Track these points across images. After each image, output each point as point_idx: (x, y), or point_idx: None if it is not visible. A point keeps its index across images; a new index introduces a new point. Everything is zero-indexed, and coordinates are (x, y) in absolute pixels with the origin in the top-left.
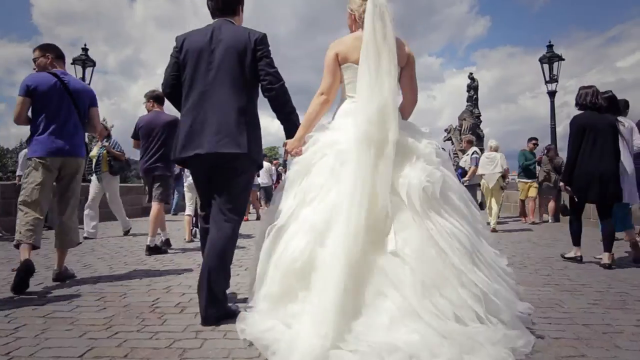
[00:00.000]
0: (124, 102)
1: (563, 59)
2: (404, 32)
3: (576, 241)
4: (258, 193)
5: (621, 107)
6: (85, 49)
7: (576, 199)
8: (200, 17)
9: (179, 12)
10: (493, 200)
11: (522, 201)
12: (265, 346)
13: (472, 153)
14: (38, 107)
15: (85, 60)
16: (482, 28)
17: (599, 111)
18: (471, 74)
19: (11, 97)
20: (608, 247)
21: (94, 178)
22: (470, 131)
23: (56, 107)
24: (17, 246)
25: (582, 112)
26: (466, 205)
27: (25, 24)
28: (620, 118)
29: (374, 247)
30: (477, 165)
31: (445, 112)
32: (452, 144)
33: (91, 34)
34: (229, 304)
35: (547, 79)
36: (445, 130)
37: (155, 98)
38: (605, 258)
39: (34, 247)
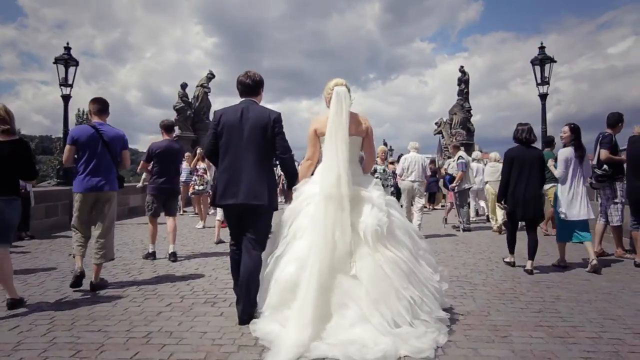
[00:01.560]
0: (112, 86)
1: (555, 61)
2: (395, 17)
3: (511, 249)
4: None
5: (614, 120)
6: (67, 48)
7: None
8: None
9: None
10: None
11: None
12: (269, 341)
13: (458, 158)
14: (80, 153)
15: (67, 60)
16: (475, 13)
17: (530, 145)
18: (462, 67)
19: None
20: (532, 256)
21: None
22: (460, 125)
23: (93, 152)
24: (73, 256)
25: (516, 145)
26: (410, 238)
27: (11, 5)
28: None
29: (341, 272)
30: (463, 171)
31: (436, 98)
32: (443, 137)
33: (78, 16)
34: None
35: (539, 81)
36: (436, 123)
37: (164, 127)
38: (528, 265)
39: (83, 256)
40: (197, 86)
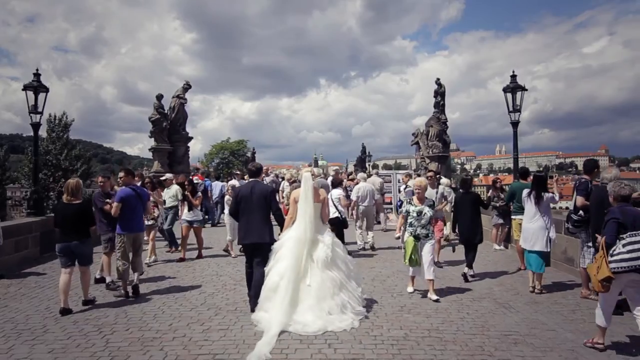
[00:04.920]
0: (86, 83)
1: (526, 89)
2: (376, 14)
3: (469, 265)
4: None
5: (590, 167)
6: (37, 74)
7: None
8: None
9: None
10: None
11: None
12: (259, 323)
13: (405, 187)
14: (124, 206)
15: (37, 87)
16: (456, 11)
17: (467, 190)
18: (438, 79)
19: None
20: (470, 265)
21: None
22: (436, 138)
23: (132, 205)
24: (119, 279)
25: (460, 190)
26: (345, 264)
27: None
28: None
29: (301, 282)
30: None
31: (417, 96)
32: (419, 148)
33: (50, 9)
34: None
35: (511, 108)
36: (413, 134)
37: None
38: (466, 270)
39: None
40: (173, 97)
